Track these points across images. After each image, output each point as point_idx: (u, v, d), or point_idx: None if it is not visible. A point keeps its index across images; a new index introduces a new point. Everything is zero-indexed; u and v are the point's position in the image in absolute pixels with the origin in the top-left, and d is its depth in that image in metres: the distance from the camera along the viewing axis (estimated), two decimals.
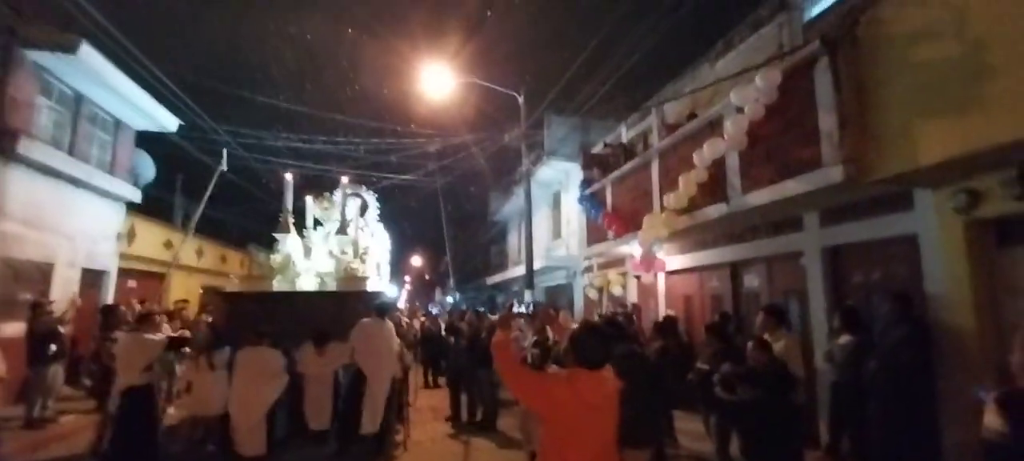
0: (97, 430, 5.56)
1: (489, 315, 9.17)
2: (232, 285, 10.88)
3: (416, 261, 35.52)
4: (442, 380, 10.03)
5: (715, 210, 6.29)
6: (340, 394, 5.87)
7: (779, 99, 5.28)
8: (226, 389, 5.32)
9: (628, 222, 8.46)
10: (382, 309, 6.07)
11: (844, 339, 4.94)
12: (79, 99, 9.49)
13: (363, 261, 7.44)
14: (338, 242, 7.65)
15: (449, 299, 28.53)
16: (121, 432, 4.96)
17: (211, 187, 12.59)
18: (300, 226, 7.89)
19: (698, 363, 5.24)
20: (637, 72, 9.74)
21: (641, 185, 8.22)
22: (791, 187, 5.12)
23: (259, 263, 11.62)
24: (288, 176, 7.81)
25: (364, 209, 8.40)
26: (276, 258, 7.37)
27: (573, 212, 13.46)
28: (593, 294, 11.98)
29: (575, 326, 2.79)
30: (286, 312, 6.24)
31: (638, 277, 9.00)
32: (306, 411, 5.65)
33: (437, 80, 12.52)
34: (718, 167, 6.11)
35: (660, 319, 7.01)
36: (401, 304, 23.10)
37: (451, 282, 29.75)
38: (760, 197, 5.59)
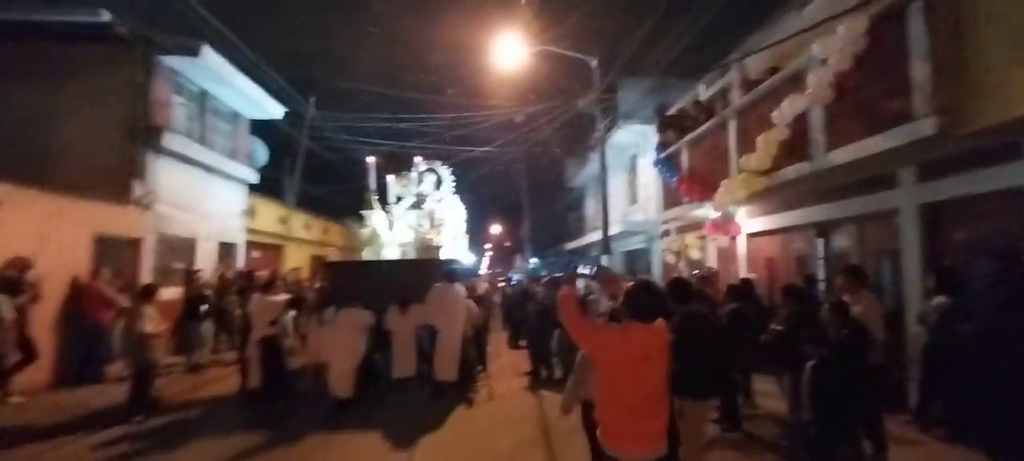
0: (240, 372, 6.77)
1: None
2: (333, 256, 12.27)
3: (496, 230, 36.64)
4: (524, 341, 10.62)
5: (796, 170, 6.06)
6: (423, 348, 6.74)
7: (867, 48, 4.96)
8: (329, 341, 6.31)
9: (704, 185, 8.31)
10: (452, 275, 6.79)
11: (938, 300, 4.69)
12: (204, 95, 10.95)
13: (439, 232, 8.27)
14: (416, 216, 8.52)
15: (529, 265, 29.30)
16: (259, 373, 6.10)
17: (300, 160, 13.91)
18: (384, 202, 8.76)
19: (773, 324, 5.23)
20: (717, 25, 9.29)
21: (718, 146, 8.02)
22: (879, 143, 4.85)
23: (354, 235, 12.93)
24: (371, 159, 8.81)
25: (439, 183, 9.06)
26: (365, 232, 8.38)
27: (650, 176, 13.27)
28: (671, 259, 11.89)
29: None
30: (374, 278, 7.11)
31: (714, 240, 8.86)
32: (393, 362, 6.57)
33: (510, 52, 12.71)
34: (800, 124, 5.86)
35: (735, 282, 6.94)
36: (482, 271, 24.20)
37: (530, 249, 30.47)
38: (845, 154, 5.33)
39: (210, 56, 9.77)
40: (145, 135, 9.01)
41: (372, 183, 8.59)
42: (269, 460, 4.82)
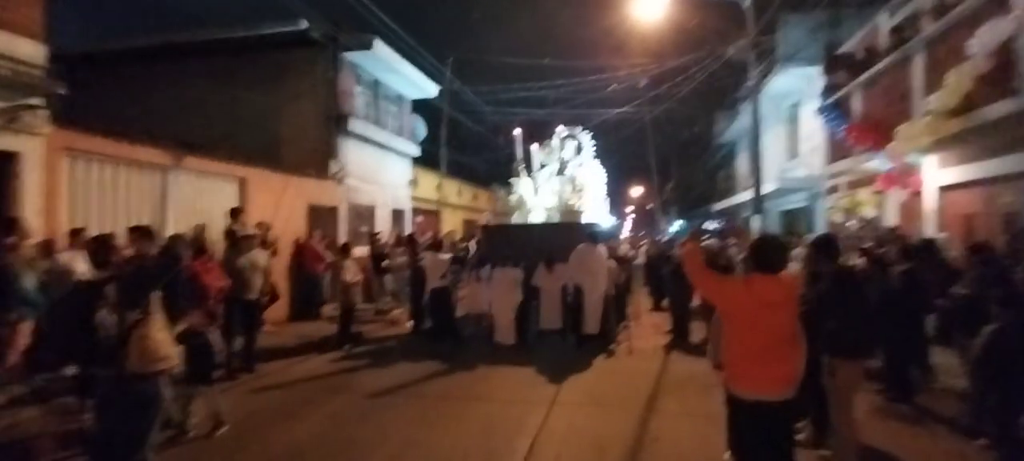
0: (413, 317, 8.20)
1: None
2: (487, 219, 13.61)
3: (638, 191, 35.71)
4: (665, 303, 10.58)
5: (1000, 108, 5.09)
6: (568, 303, 7.35)
7: None
8: (488, 294, 7.38)
9: (879, 132, 7.31)
10: (594, 237, 7.27)
11: None
12: (376, 83, 12.73)
13: (580, 196, 8.80)
14: (558, 182, 9.12)
15: (674, 227, 28.18)
16: (432, 317, 7.41)
17: (444, 127, 15.20)
18: (529, 170, 9.49)
19: (955, 287, 4.64)
20: None
21: (898, 86, 6.97)
22: None
23: (502, 200, 14.12)
24: (517, 131, 9.69)
25: (579, 149, 9.46)
26: (513, 198, 9.29)
27: (814, 126, 11.88)
28: (839, 217, 10.65)
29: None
30: (524, 240, 8.00)
31: (893, 195, 7.76)
32: (541, 315, 7.35)
33: (650, 3, 12.12)
34: (1004, 54, 4.89)
35: (906, 242, 6.11)
36: (626, 233, 24.02)
37: (675, 211, 29.20)
38: None
39: (381, 48, 11.34)
40: (336, 121, 10.93)
41: (518, 152, 9.45)
42: (451, 381, 5.90)
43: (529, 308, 7.39)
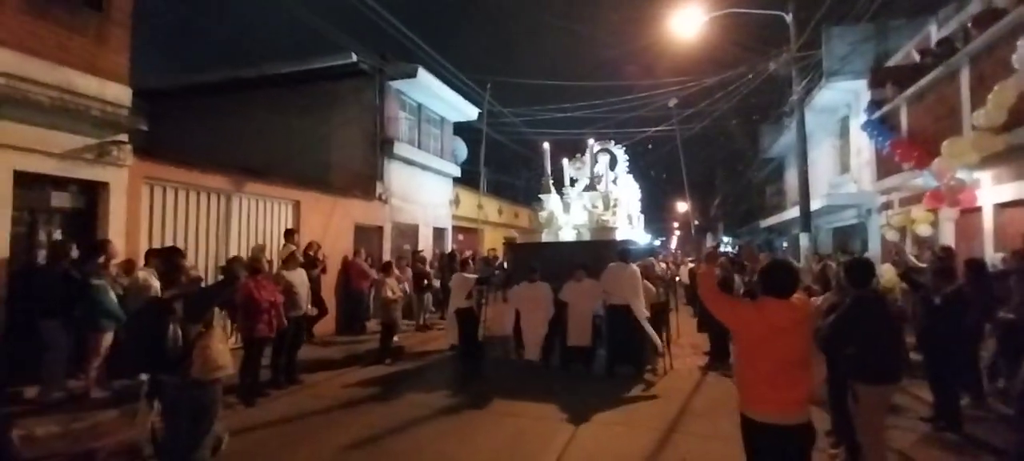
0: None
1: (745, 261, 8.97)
2: (512, 238, 13.64)
3: (682, 207, 34.97)
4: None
5: None
6: (598, 326, 7.09)
7: None
8: (514, 315, 7.31)
9: (925, 148, 7.03)
10: (625, 254, 7.04)
11: None
12: (419, 108, 13.36)
13: (614, 213, 8.30)
14: (590, 197, 8.60)
15: (721, 244, 27.37)
16: (457, 336, 7.54)
17: (482, 147, 15.40)
18: (560, 186, 9.08)
19: (1001, 313, 4.43)
20: None
21: (945, 101, 6.70)
22: None
23: (532, 218, 14.03)
24: (546, 145, 9.17)
25: (613, 163, 9.02)
26: (542, 214, 8.83)
27: (865, 141, 11.41)
28: (891, 235, 10.13)
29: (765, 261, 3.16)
30: (552, 258, 7.65)
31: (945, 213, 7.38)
32: (569, 331, 7.04)
33: (690, 19, 11.95)
34: None
35: (941, 262, 5.74)
36: (668, 251, 23.51)
37: (721, 227, 28.38)
38: None
39: (423, 75, 11.95)
40: (382, 145, 11.56)
41: (547, 167, 8.97)
42: (482, 396, 5.99)
43: (557, 325, 7.18)
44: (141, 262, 5.92)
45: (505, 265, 9.42)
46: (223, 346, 3.45)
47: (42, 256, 5.55)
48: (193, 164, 7.37)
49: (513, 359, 7.48)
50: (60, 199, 5.78)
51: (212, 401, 3.35)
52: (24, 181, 5.31)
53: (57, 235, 5.72)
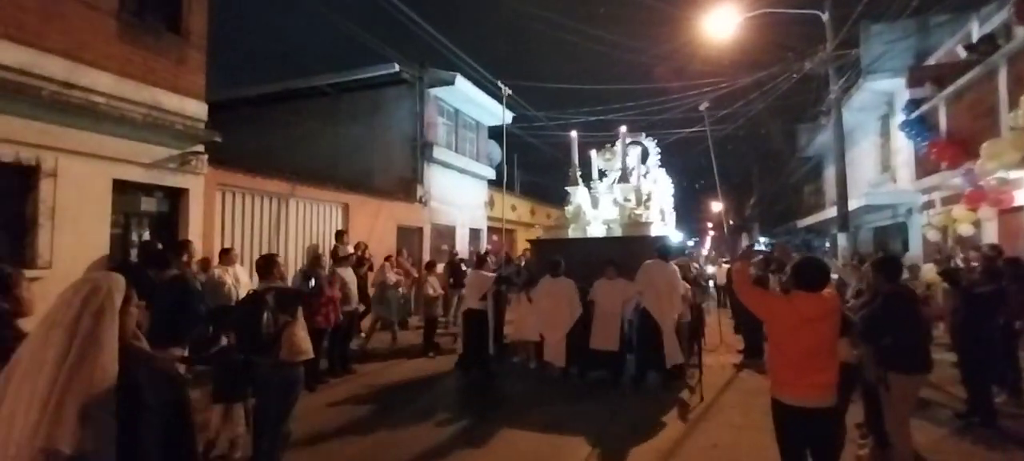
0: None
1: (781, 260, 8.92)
2: (536, 234, 13.56)
3: (717, 207, 34.51)
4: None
5: None
6: (625, 328, 6.37)
7: None
8: (537, 317, 6.59)
9: (964, 148, 7.02)
10: (664, 252, 6.40)
11: None
12: (457, 113, 13.89)
13: (646, 207, 7.66)
14: (621, 190, 7.85)
15: (756, 244, 26.96)
16: (463, 342, 6.98)
17: (503, 143, 15.56)
18: (588, 179, 8.47)
19: None
20: None
21: (984, 100, 6.69)
22: None
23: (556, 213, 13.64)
24: (573, 133, 8.32)
25: (645, 156, 8.40)
26: (569, 209, 8.08)
27: (904, 139, 11.25)
28: (933, 235, 9.99)
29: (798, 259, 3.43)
30: (580, 255, 6.92)
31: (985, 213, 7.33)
32: (593, 332, 6.35)
33: (725, 19, 11.95)
34: None
35: (988, 260, 5.79)
36: (704, 250, 23.34)
37: (758, 227, 27.93)
38: None
39: (461, 82, 12.47)
40: (422, 150, 12.13)
41: (574, 157, 8.24)
42: (513, 394, 6.30)
43: (582, 327, 6.42)
44: (215, 261, 6.58)
45: (524, 264, 8.93)
46: (304, 334, 3.95)
47: (133, 255, 6.27)
48: (257, 171, 8.06)
49: (534, 367, 6.87)
50: (148, 204, 6.50)
51: (297, 380, 3.84)
52: (120, 188, 6.03)
53: (145, 236, 6.43)
